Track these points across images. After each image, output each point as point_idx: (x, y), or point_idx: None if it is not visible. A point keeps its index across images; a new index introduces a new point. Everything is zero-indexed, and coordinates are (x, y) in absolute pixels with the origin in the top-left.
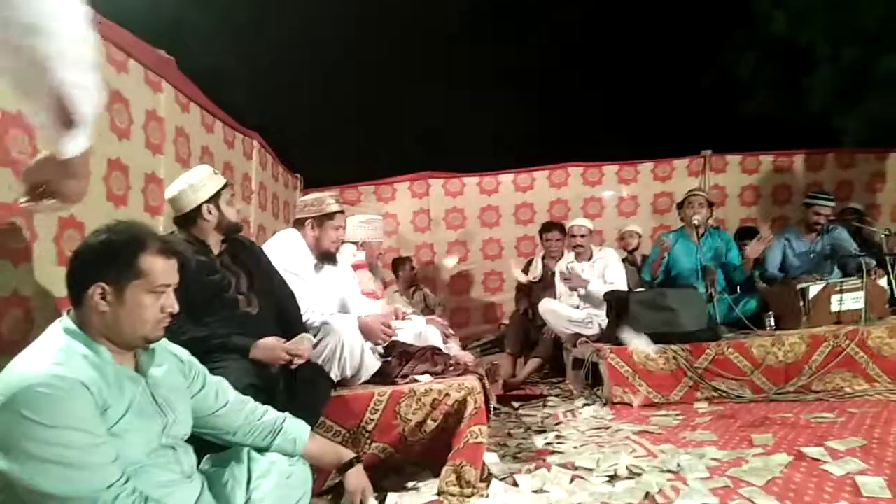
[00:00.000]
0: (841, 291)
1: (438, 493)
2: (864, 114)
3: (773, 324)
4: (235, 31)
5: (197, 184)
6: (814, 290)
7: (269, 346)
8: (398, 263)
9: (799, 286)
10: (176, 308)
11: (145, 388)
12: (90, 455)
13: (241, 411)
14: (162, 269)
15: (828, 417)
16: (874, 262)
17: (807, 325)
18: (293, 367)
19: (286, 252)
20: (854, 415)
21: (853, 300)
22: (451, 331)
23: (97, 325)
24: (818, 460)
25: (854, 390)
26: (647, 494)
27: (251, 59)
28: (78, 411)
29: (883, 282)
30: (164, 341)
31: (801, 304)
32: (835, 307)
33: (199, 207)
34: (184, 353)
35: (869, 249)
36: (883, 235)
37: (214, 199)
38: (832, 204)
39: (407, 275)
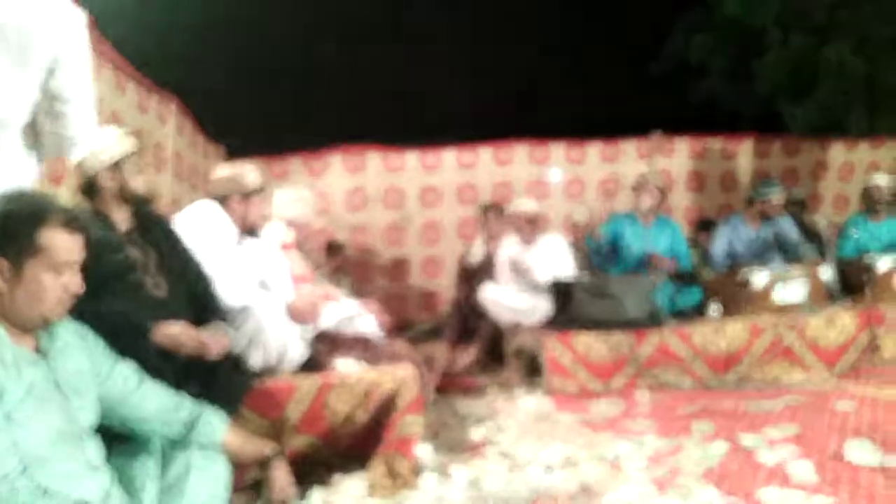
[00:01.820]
0: (782, 280)
1: (368, 487)
2: (811, 101)
3: (716, 312)
4: None
5: (98, 149)
6: (756, 279)
7: (174, 332)
8: (333, 248)
9: (742, 275)
10: (79, 287)
11: (47, 371)
12: None
13: (153, 399)
14: (65, 244)
15: (765, 406)
16: (815, 252)
17: (749, 313)
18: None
19: (202, 225)
20: (790, 404)
21: (794, 289)
22: (386, 316)
23: None
24: (753, 448)
25: (791, 380)
26: (584, 484)
27: (170, 17)
28: None
29: (823, 271)
30: (68, 321)
31: (744, 293)
32: (776, 296)
33: (98, 175)
34: (89, 333)
35: (810, 238)
36: (825, 225)
37: (116, 166)
38: (783, 192)
39: (336, 261)
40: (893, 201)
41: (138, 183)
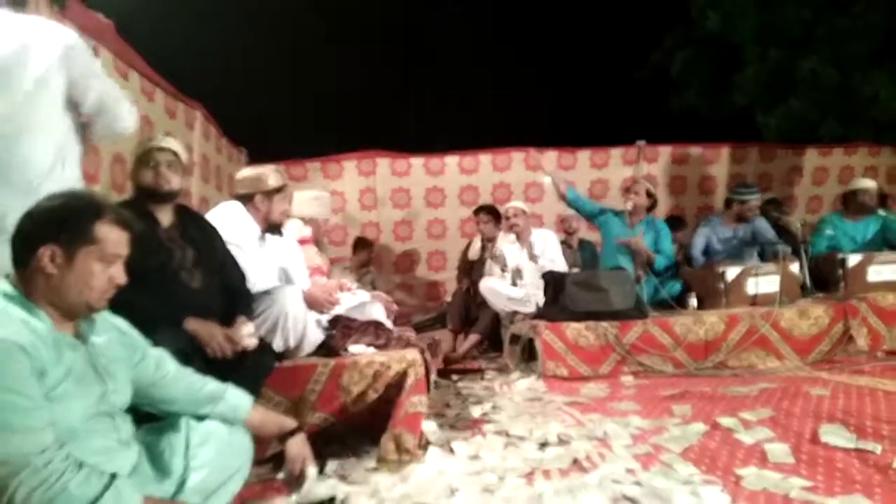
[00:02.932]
0: (757, 275)
1: (378, 460)
2: (786, 111)
3: (695, 304)
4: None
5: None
6: (732, 273)
7: (207, 323)
8: (359, 244)
9: (719, 269)
10: (123, 280)
11: (85, 355)
12: (25, 418)
13: (181, 382)
14: (116, 238)
15: (741, 391)
16: (790, 250)
17: (726, 306)
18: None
19: (228, 223)
20: (765, 389)
21: (768, 283)
22: (394, 306)
23: (42, 288)
24: (731, 430)
25: (766, 367)
26: (574, 460)
27: (197, 29)
28: (15, 373)
29: (796, 268)
30: (106, 313)
31: (721, 286)
32: (751, 290)
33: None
34: (124, 324)
35: (785, 238)
36: (798, 225)
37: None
38: (759, 194)
39: (363, 257)
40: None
41: (147, 177)
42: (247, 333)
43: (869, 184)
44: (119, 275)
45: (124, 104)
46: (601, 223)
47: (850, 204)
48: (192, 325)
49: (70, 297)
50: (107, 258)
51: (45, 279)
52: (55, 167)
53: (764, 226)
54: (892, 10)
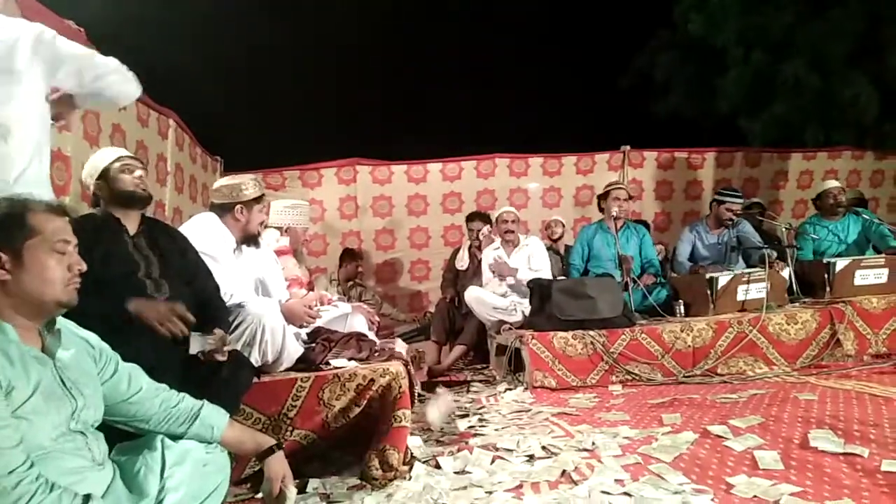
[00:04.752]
0: (748, 282)
1: (361, 478)
2: (769, 117)
3: (682, 311)
4: (151, 4)
5: (95, 162)
6: (722, 280)
7: (152, 302)
8: (346, 256)
9: (708, 276)
10: (83, 266)
11: (53, 370)
12: None
13: (155, 398)
14: (56, 224)
15: (731, 398)
16: (775, 254)
17: (714, 312)
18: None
19: (203, 235)
20: (754, 395)
21: (757, 290)
22: (377, 318)
23: (2, 299)
24: (721, 437)
25: (755, 373)
26: (563, 472)
27: (169, 35)
28: None
29: (784, 272)
30: (72, 325)
31: (709, 292)
32: (740, 296)
33: (93, 185)
34: (93, 337)
35: (770, 242)
36: (784, 229)
37: (104, 173)
38: (741, 200)
39: (350, 269)
40: (849, 206)
41: (125, 183)
42: (218, 342)
43: (833, 183)
44: (77, 261)
45: (114, 74)
46: (590, 247)
47: (823, 206)
48: (136, 305)
49: (33, 297)
50: (55, 246)
51: (2, 287)
52: (32, 164)
53: (749, 230)
54: (866, 14)
